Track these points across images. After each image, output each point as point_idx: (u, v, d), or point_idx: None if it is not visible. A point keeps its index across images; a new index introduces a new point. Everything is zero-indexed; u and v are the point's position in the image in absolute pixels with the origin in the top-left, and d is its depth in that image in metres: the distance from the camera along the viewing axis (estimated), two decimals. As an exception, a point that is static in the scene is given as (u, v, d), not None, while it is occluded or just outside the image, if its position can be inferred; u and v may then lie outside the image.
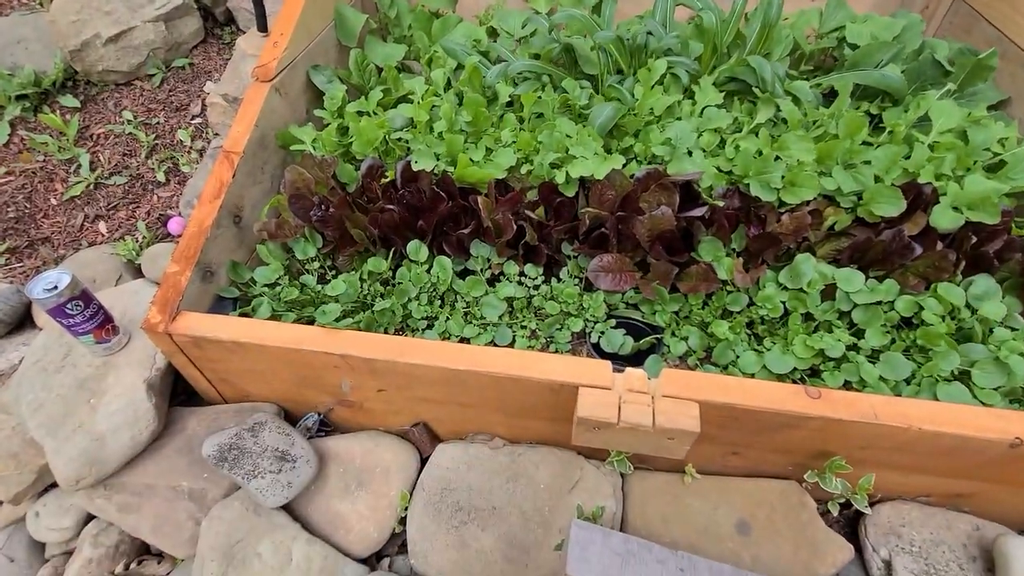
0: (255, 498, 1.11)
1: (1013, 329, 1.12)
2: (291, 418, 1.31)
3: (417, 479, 1.21)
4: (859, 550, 1.12)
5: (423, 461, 1.25)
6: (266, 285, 1.31)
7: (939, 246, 1.12)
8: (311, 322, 1.26)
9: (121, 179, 1.90)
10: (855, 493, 1.05)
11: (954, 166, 1.19)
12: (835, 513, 1.14)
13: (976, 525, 1.08)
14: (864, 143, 1.27)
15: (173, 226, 1.74)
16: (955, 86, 1.38)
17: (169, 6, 2.03)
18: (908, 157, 1.21)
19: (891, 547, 1.07)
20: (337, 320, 1.18)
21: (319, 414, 1.29)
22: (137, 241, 1.73)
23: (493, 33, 1.76)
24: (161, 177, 1.91)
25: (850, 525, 1.19)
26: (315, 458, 1.17)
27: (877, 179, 1.18)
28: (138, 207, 1.86)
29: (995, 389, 1.04)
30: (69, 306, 1.09)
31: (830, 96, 1.46)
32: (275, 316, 1.24)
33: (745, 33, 1.50)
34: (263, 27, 1.63)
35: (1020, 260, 1.13)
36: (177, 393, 1.36)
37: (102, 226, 1.80)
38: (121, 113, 2.04)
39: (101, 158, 1.94)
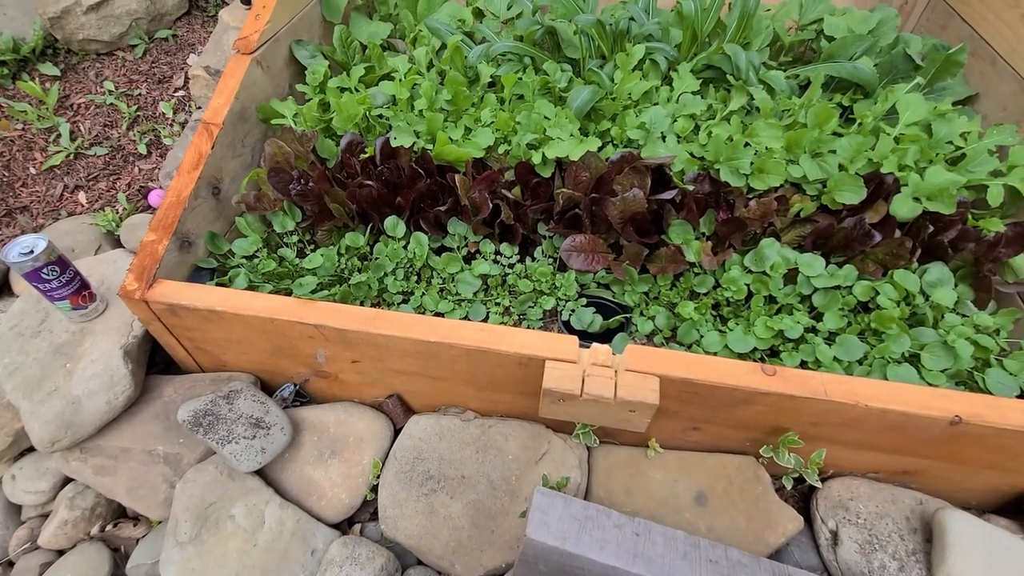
0: (229, 463, 1.14)
1: (963, 315, 1.17)
2: (268, 388, 1.34)
3: (390, 449, 1.24)
4: (811, 522, 1.17)
5: (396, 432, 1.29)
6: (244, 257, 1.33)
7: (897, 234, 1.17)
8: (288, 294, 1.28)
9: (102, 150, 1.89)
10: (807, 468, 1.10)
11: (917, 158, 1.23)
12: (789, 487, 1.19)
13: (920, 500, 1.14)
14: (835, 133, 1.30)
15: (154, 198, 1.74)
16: (924, 80, 1.42)
17: (152, -25, 2.01)
18: (875, 148, 1.25)
19: (839, 519, 1.12)
20: (313, 292, 1.20)
21: (295, 384, 1.31)
22: (117, 212, 1.73)
23: (479, 14, 1.77)
24: (143, 149, 1.90)
25: (804, 500, 1.24)
26: (289, 426, 1.19)
27: (842, 168, 1.21)
28: (119, 179, 1.85)
29: (942, 371, 1.09)
30: (45, 271, 1.10)
31: (807, 87, 1.49)
32: (252, 287, 1.26)
33: (726, 22, 1.53)
34: (247, 0, 1.63)
35: (973, 250, 1.18)
36: (156, 362, 1.38)
37: (82, 196, 1.80)
38: (103, 83, 2.02)
39: (82, 128, 1.93)
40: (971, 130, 1.29)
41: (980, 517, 1.13)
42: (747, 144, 1.23)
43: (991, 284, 1.17)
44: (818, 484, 1.11)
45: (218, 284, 1.27)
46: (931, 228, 1.16)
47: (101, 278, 1.33)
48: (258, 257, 1.32)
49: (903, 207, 1.16)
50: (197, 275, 1.28)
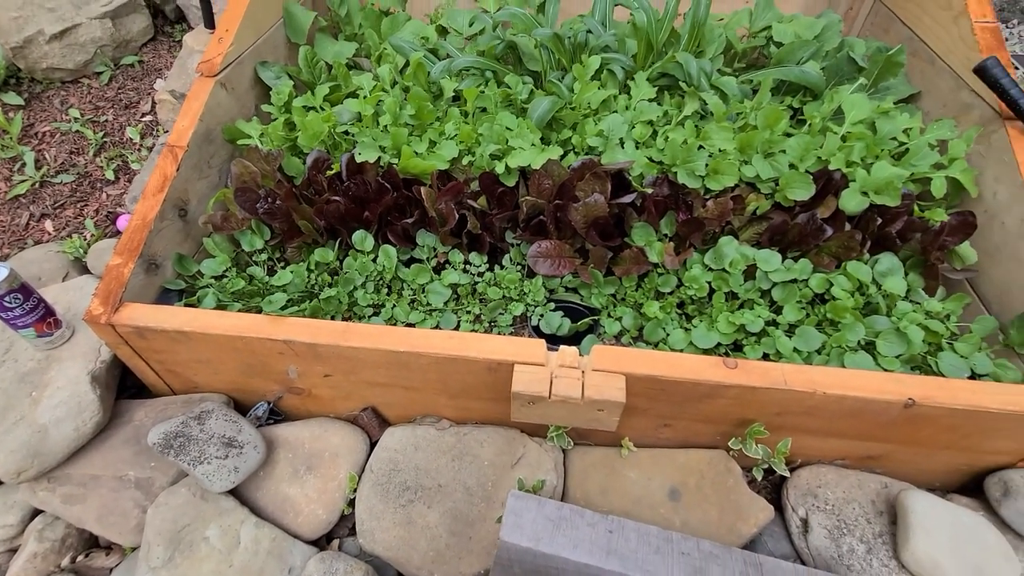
0: (202, 484, 1.13)
1: (914, 303, 1.22)
2: (241, 408, 1.33)
3: (366, 462, 1.24)
4: (783, 511, 1.20)
5: (372, 445, 1.29)
6: (213, 277, 1.33)
7: (848, 228, 1.22)
8: (258, 312, 1.29)
9: (68, 177, 1.88)
10: (774, 458, 1.13)
11: (863, 154, 1.28)
12: (760, 479, 1.22)
13: (885, 483, 1.17)
14: (787, 134, 1.36)
15: (122, 223, 1.73)
16: (868, 81, 1.48)
17: (115, 3, 2.01)
18: (823, 146, 1.30)
19: (808, 506, 1.15)
20: (283, 309, 1.21)
21: (268, 403, 1.31)
22: (85, 239, 1.71)
23: (443, 32, 1.81)
24: (110, 175, 1.90)
25: (776, 491, 1.27)
26: (263, 444, 1.19)
27: (792, 167, 1.26)
28: (86, 205, 1.84)
29: (896, 357, 1.13)
30: (7, 299, 1.10)
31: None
32: (221, 307, 1.26)
33: (680, 32, 1.59)
34: (210, 24, 1.64)
35: (920, 239, 1.23)
36: (127, 387, 1.37)
37: (48, 224, 1.78)
38: (68, 111, 2.01)
39: (47, 156, 1.92)
40: (913, 126, 1.35)
41: (943, 498, 1.17)
42: (701, 147, 1.27)
43: (938, 272, 1.22)
44: (786, 473, 1.14)
45: (186, 305, 1.27)
46: (879, 220, 1.21)
47: (68, 304, 1.32)
48: (227, 277, 1.32)
49: (851, 201, 1.21)
50: (165, 297, 1.28)
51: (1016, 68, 2.72)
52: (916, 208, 1.27)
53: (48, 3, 1.95)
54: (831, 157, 1.26)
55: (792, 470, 1.22)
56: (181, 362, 1.22)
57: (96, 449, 1.19)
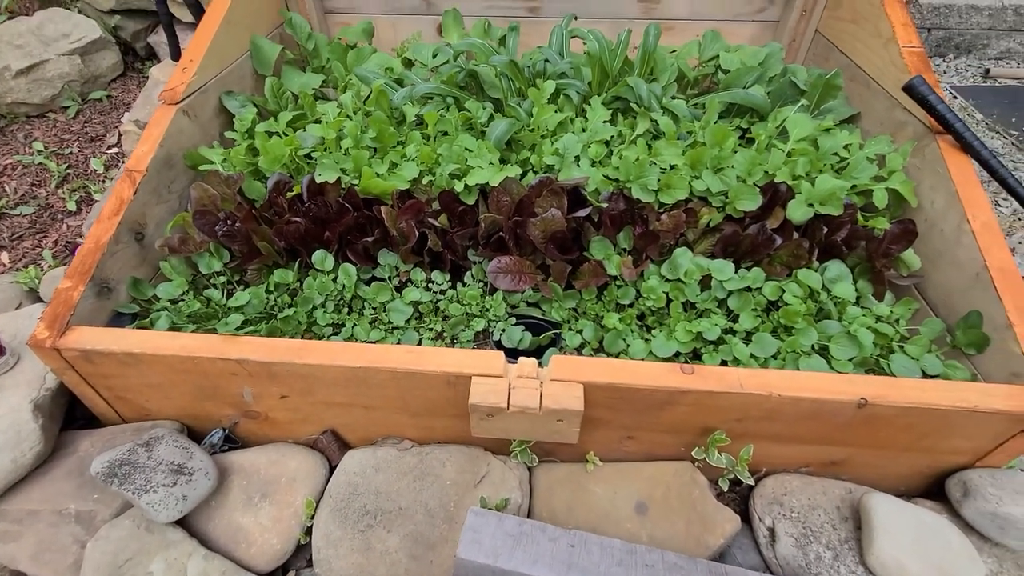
0: (147, 514, 1.07)
1: (864, 308, 1.25)
2: (196, 436, 1.28)
3: (325, 487, 1.20)
4: (750, 522, 1.18)
5: (332, 469, 1.25)
6: (170, 300, 1.31)
7: (796, 237, 1.26)
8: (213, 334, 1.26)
9: (28, 209, 1.85)
10: (738, 466, 1.13)
11: (808, 168, 1.34)
12: (726, 489, 1.21)
13: (849, 489, 1.17)
14: (735, 151, 1.41)
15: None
16: (810, 103, 1.57)
17: (85, 40, 2.04)
18: (769, 161, 1.36)
19: (774, 515, 1.14)
20: (238, 330, 1.19)
21: (224, 429, 1.27)
22: (42, 270, 1.68)
23: (409, 64, 1.87)
24: (72, 206, 1.88)
25: (744, 502, 1.25)
26: (214, 470, 1.14)
27: (741, 180, 1.31)
28: (45, 236, 1.81)
29: (849, 360, 1.15)
30: (-54, 324, 1.06)
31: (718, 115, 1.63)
32: (175, 329, 1.24)
33: (634, 61, 1.67)
34: (176, 56, 1.68)
35: (865, 247, 1.28)
36: (76, 418, 1.32)
37: (4, 256, 1.74)
38: (32, 144, 2.01)
39: (7, 189, 1.89)
40: (852, 142, 1.42)
41: (909, 502, 1.17)
42: (653, 163, 1.32)
43: (885, 278, 1.26)
44: (750, 481, 1.13)
45: (138, 328, 1.24)
46: (825, 229, 1.26)
47: (15, 332, 1.28)
48: (183, 300, 1.30)
49: (797, 212, 1.26)
50: (117, 321, 1.25)
51: (955, 97, 2.91)
52: (861, 218, 1.32)
53: (16, 40, 1.97)
54: (777, 171, 1.31)
55: (758, 479, 1.21)
56: (131, 387, 1.18)
57: (36, 482, 1.13)
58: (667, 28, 1.96)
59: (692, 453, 1.15)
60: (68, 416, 1.29)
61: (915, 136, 1.41)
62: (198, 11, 1.66)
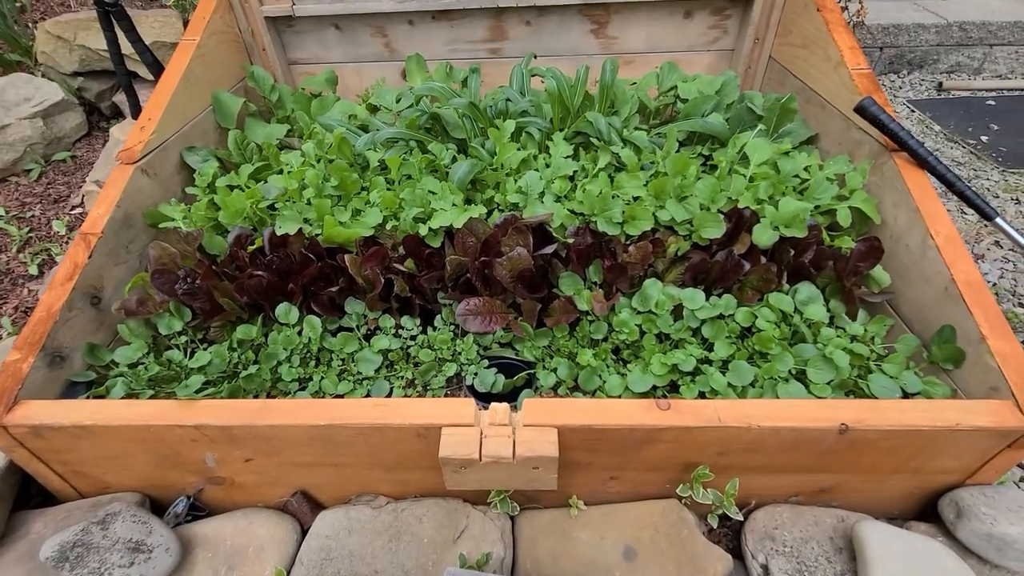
0: (101, 600, 1.00)
1: (839, 328, 1.24)
2: (160, 506, 1.22)
3: (297, 554, 1.13)
4: (743, 559, 1.13)
5: (305, 532, 1.18)
6: (128, 365, 1.26)
7: (764, 261, 1.25)
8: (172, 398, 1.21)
9: (-13, 276, 1.80)
10: (725, 501, 1.09)
11: (770, 192, 1.35)
12: (716, 526, 1.16)
13: (841, 517, 1.13)
14: (698, 179, 1.42)
15: (40, 318, 1.64)
16: (768, 128, 1.59)
17: (47, 103, 2.04)
18: (731, 187, 1.37)
19: (767, 551, 1.09)
20: (198, 392, 1.14)
21: (189, 497, 1.20)
22: (0, 338, 1.62)
23: (374, 109, 1.88)
24: (34, 270, 1.83)
25: (736, 537, 1.21)
26: (176, 545, 1.08)
27: (704, 208, 1.31)
28: (5, 303, 1.76)
29: (827, 383, 1.13)
30: None
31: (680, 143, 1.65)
32: (132, 396, 1.18)
33: (594, 96, 1.69)
34: (137, 115, 1.67)
35: (834, 267, 1.28)
36: (30, 496, 1.24)
37: (-40, 326, 1.68)
38: (-8, 209, 1.97)
39: (-35, 256, 1.85)
40: (812, 163, 1.44)
41: (903, 527, 1.13)
42: (616, 196, 1.32)
43: (855, 296, 1.26)
44: (739, 516, 1.09)
45: (93, 397, 1.18)
46: (792, 252, 1.26)
47: (-37, 409, 1.22)
48: (143, 363, 1.25)
49: (763, 236, 1.26)
50: (71, 390, 1.19)
51: (912, 111, 3.00)
52: (827, 238, 1.32)
53: (-24, 106, 1.96)
54: (740, 196, 1.32)
55: (748, 513, 1.17)
56: (87, 460, 1.12)
57: (-19, 572, 1.05)
58: (626, 62, 2.00)
59: (677, 490, 1.11)
60: (22, 495, 1.21)
61: (872, 154, 1.43)
62: (157, 69, 1.66)
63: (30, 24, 2.31)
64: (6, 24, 2.19)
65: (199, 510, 1.23)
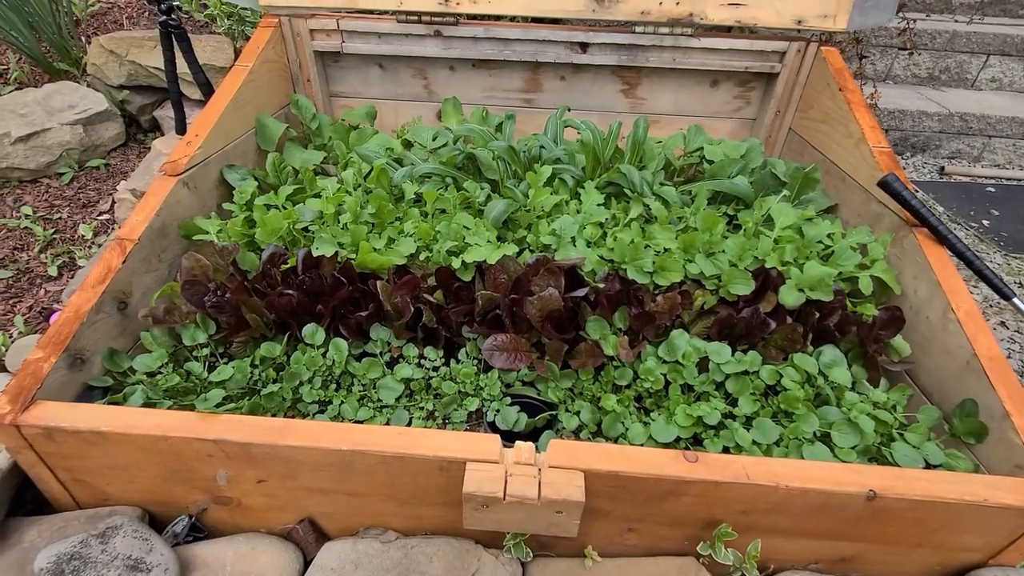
0: (93, 620, 0.95)
1: (861, 393, 1.25)
2: (158, 524, 1.17)
3: (297, 586, 1.09)
4: (761, 628, 1.09)
5: (307, 563, 1.14)
6: (146, 374, 1.24)
7: (789, 321, 1.27)
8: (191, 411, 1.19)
9: (6, 273, 1.80)
10: (746, 563, 1.06)
11: (795, 255, 1.39)
12: (734, 589, 1.13)
13: (862, 590, 1.10)
14: (724, 236, 1.46)
15: (55, 319, 1.63)
16: (791, 194, 1.66)
17: (90, 111, 2.09)
18: (758, 248, 1.41)
19: (787, 620, 1.05)
20: (218, 406, 1.12)
21: (190, 516, 1.16)
22: (11, 336, 1.60)
23: (408, 145, 1.95)
24: (53, 271, 1.83)
25: (753, 604, 1.17)
26: (175, 566, 1.03)
27: (732, 264, 1.35)
28: (20, 301, 1.75)
29: (852, 448, 1.13)
30: (-102, 396, 0.98)
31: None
32: (150, 405, 1.16)
33: (624, 149, 1.76)
34: (182, 131, 1.72)
35: (856, 333, 1.30)
36: (24, 502, 1.19)
37: (-29, 321, 1.66)
38: (20, 208, 1.98)
39: (-15, 251, 1.85)
40: (835, 231, 1.49)
41: (924, 604, 1.10)
42: (647, 246, 1.35)
43: (878, 363, 1.27)
44: (760, 581, 1.06)
45: (110, 403, 1.16)
46: (817, 315, 1.28)
47: (-29, 405, 1.19)
48: (162, 373, 1.24)
49: (789, 296, 1.28)
50: (87, 395, 1.17)
51: (916, 191, 3.12)
52: (849, 303, 1.35)
53: (21, 109, 2.01)
54: (767, 256, 1.35)
55: (767, 578, 1.14)
56: (93, 469, 1.09)
57: (-33, 580, 1.00)
58: (653, 121, 2.10)
59: (697, 548, 1.08)
60: (16, 500, 1.17)
61: (892, 227, 1.48)
62: (208, 90, 1.72)
63: (82, 37, 2.40)
64: (60, 35, 2.28)
65: (198, 531, 1.19)
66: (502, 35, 1.91)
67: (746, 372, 1.23)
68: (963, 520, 1.02)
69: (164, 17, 1.58)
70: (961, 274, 1.33)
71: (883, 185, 1.41)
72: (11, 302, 1.73)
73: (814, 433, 1.14)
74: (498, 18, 1.93)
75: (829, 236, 1.48)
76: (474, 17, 1.91)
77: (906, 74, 3.70)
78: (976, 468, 1.15)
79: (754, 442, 1.13)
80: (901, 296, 1.41)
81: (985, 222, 2.81)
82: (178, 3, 2.11)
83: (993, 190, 3.15)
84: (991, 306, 2.17)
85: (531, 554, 1.12)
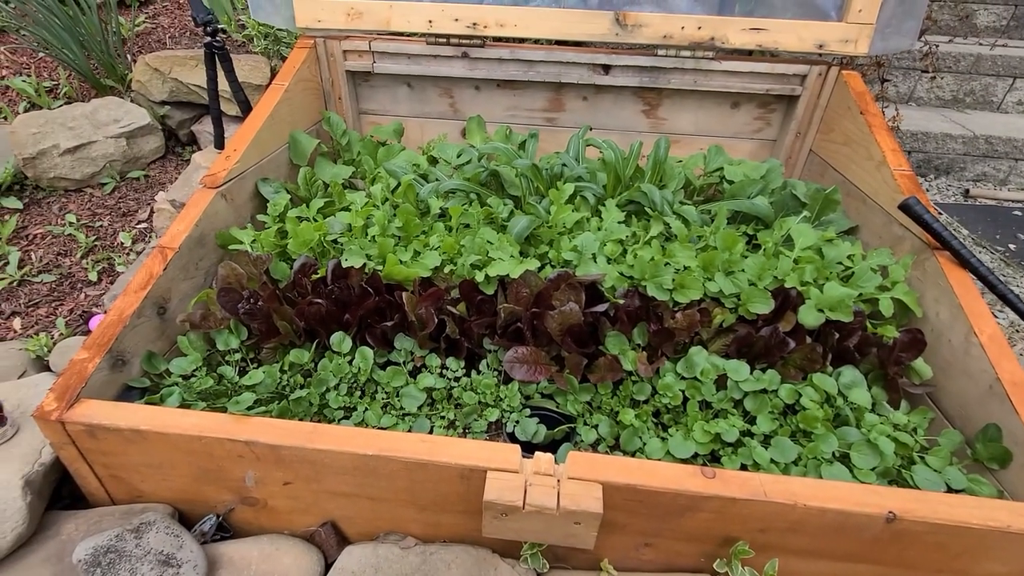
0: (126, 612, 0.98)
1: (881, 415, 1.24)
2: (186, 521, 1.21)
3: (319, 588, 1.11)
4: (778, 650, 1.08)
5: (328, 566, 1.16)
6: (182, 376, 1.30)
7: (808, 341, 1.28)
8: (223, 413, 1.24)
9: (50, 277, 1.89)
10: (763, 582, 1.06)
11: (815, 275, 1.40)
12: (750, 609, 1.12)
13: (882, 615, 1.09)
14: (744, 256, 1.48)
15: (94, 323, 1.71)
16: (811, 215, 1.67)
17: (134, 125, 2.20)
18: (778, 267, 1.42)
19: (805, 643, 1.05)
20: (249, 409, 1.17)
21: (217, 516, 1.20)
22: (52, 337, 1.67)
23: (433, 161, 2.01)
24: (93, 276, 1.91)
25: (769, 625, 1.16)
26: (204, 563, 1.07)
27: (752, 283, 1.36)
28: (62, 304, 1.83)
29: (871, 469, 1.12)
30: (-44, 390, 1.04)
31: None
32: (185, 406, 1.21)
33: (644, 169, 1.80)
34: (220, 145, 1.80)
35: (877, 354, 1.30)
36: (61, 497, 1.25)
37: (16, 322, 1.75)
38: (64, 216, 2.09)
39: (32, 256, 1.94)
40: (855, 253, 1.49)
41: (946, 633, 1.08)
42: (667, 264, 1.38)
43: (899, 385, 1.27)
44: (777, 601, 1.06)
45: (148, 403, 1.21)
46: (837, 335, 1.29)
47: (18, 402, 1.26)
48: (196, 376, 1.29)
49: (809, 316, 1.29)
50: (126, 395, 1.23)
51: (940, 214, 3.09)
52: (869, 325, 1.35)
53: (70, 123, 2.13)
54: (786, 276, 1.37)
55: (783, 600, 1.13)
56: (129, 466, 1.14)
57: (9, 568, 1.05)
58: (674, 141, 2.13)
59: (714, 566, 1.08)
60: (54, 494, 1.22)
61: (913, 250, 1.48)
62: (246, 108, 1.81)
63: (128, 55, 2.53)
64: (108, 53, 2.41)
65: (224, 530, 1.22)
66: (527, 57, 1.97)
67: (764, 391, 1.24)
68: (986, 546, 1.01)
69: (209, 39, 1.68)
70: (985, 299, 1.33)
71: (904, 208, 1.41)
72: (54, 305, 1.82)
73: (833, 453, 1.14)
74: (523, 40, 1.99)
75: (849, 257, 1.49)
76: (500, 39, 1.98)
77: (929, 96, 3.69)
78: (1000, 494, 1.14)
79: (772, 460, 1.13)
80: (923, 319, 1.41)
81: (1012, 246, 2.77)
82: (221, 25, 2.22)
83: (1020, 214, 3.11)
84: (1017, 331, 2.14)
85: (547, 565, 1.14)
